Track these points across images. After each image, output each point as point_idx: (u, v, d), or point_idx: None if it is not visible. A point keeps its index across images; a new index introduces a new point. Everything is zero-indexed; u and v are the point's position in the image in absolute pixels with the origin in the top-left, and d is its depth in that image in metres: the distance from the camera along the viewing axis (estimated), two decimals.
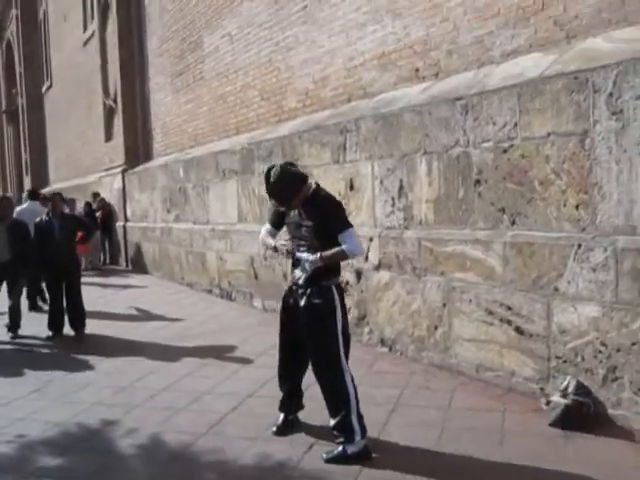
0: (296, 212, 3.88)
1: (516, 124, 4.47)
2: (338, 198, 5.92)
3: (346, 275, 6.24)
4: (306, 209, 3.82)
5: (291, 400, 4.12)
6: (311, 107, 7.35)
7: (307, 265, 3.77)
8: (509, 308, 4.57)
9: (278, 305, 4.19)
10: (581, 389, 4.07)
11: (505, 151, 4.56)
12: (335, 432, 3.80)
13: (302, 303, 3.83)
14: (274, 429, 4.07)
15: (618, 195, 3.87)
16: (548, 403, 4.16)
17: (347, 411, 3.75)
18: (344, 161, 6.24)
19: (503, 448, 3.78)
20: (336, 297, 3.84)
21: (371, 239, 5.90)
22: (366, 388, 4.51)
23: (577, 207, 4.11)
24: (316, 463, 3.65)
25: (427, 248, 5.26)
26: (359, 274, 6.11)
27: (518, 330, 4.51)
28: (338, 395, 3.79)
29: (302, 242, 3.87)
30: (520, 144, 4.45)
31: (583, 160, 4.05)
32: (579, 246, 4.07)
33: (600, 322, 3.97)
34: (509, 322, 4.58)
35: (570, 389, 4.08)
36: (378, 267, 5.85)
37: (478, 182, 4.78)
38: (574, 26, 4.51)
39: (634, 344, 3.80)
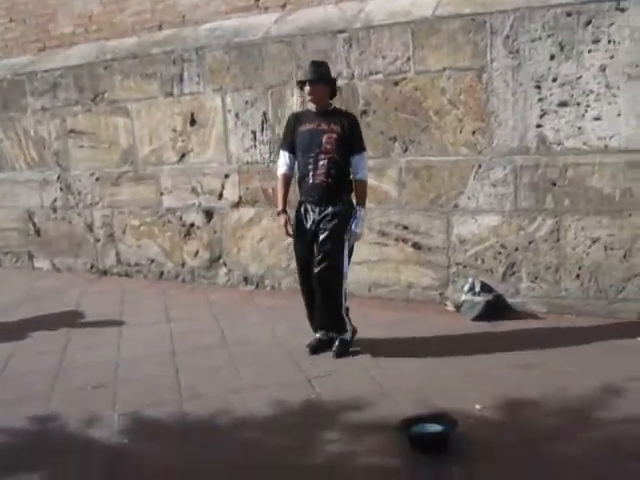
0: (315, 120, 4.01)
1: (409, 58, 4.87)
2: (172, 135, 5.65)
3: (190, 217, 5.91)
4: (332, 115, 4.02)
5: None
6: (97, 33, 6.43)
7: (359, 230, 4.07)
8: (405, 227, 5.05)
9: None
10: (485, 286, 4.85)
11: (396, 83, 4.93)
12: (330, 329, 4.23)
13: (323, 215, 4.02)
14: (308, 349, 4.23)
15: (514, 122, 4.63)
16: (461, 304, 4.83)
17: (339, 308, 4.15)
18: (180, 94, 5.76)
19: (451, 341, 4.33)
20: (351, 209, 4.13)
21: (227, 176, 5.68)
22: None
23: (474, 133, 4.76)
24: None
25: None
26: (209, 214, 5.84)
27: (415, 246, 5.05)
28: (334, 298, 4.11)
29: (321, 155, 3.96)
30: (414, 77, 4.88)
31: (480, 92, 4.70)
32: (479, 166, 4.76)
33: (500, 229, 4.77)
34: (405, 240, 5.07)
35: (477, 288, 4.83)
36: (237, 204, 5.68)
37: (365, 112, 5.06)
38: None
39: (531, 242, 4.69)
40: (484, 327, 4.60)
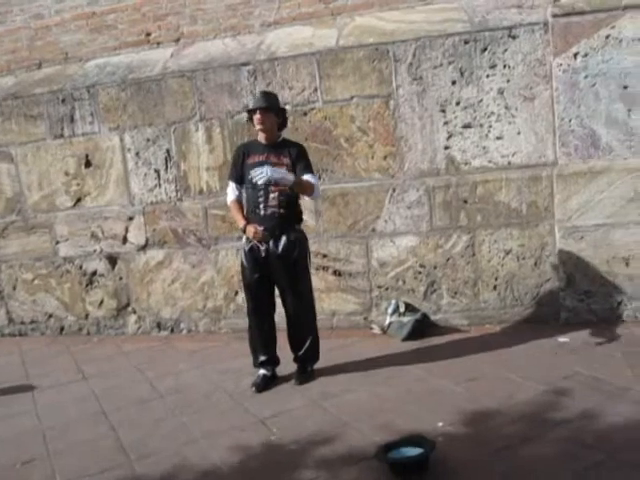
0: (264, 152, 3.99)
1: (316, 89, 4.93)
2: (64, 179, 5.35)
3: (91, 265, 5.51)
4: (281, 147, 4.00)
5: (272, 357, 4.25)
6: None
7: (278, 174, 3.81)
8: (325, 256, 5.06)
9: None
10: (409, 306, 4.96)
11: (305, 114, 4.96)
12: (300, 360, 4.23)
13: (281, 245, 3.98)
14: (254, 388, 4.13)
15: (423, 145, 4.83)
16: (388, 326, 4.90)
17: (315, 334, 4.24)
18: (72, 135, 5.39)
19: (388, 362, 4.36)
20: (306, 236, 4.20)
21: (131, 218, 5.37)
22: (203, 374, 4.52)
23: (385, 158, 4.90)
24: None
25: (217, 216, 5.20)
26: (113, 259, 5.47)
27: (336, 273, 5.07)
28: (310, 323, 4.21)
29: (271, 187, 3.92)
30: (322, 107, 4.94)
31: (388, 118, 4.85)
32: (394, 190, 4.89)
33: (418, 249, 4.91)
34: (325, 268, 5.07)
35: (401, 309, 4.93)
36: (145, 247, 5.38)
37: None
38: (338, 5, 5.19)
39: (448, 259, 4.88)
40: (415, 345, 4.70)
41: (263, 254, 4.02)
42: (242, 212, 4.14)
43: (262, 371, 4.21)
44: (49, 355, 5.26)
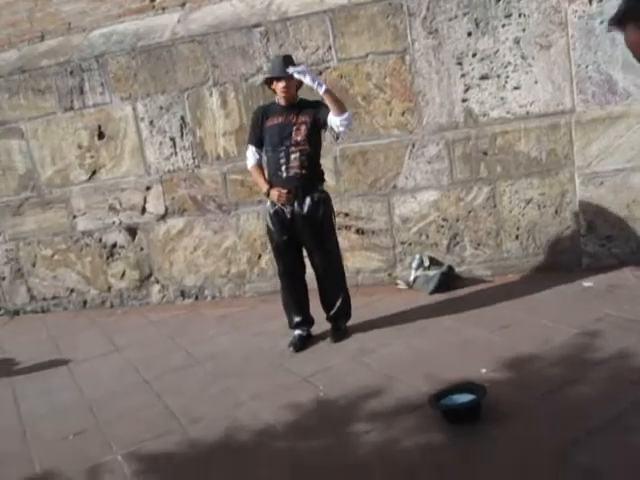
0: (283, 113, 3.96)
1: (330, 47, 4.88)
2: (77, 152, 5.29)
3: (111, 237, 5.51)
4: (300, 107, 3.97)
5: (307, 316, 4.29)
6: None
7: (313, 79, 3.82)
8: (346, 215, 5.08)
9: None
10: (433, 260, 5.02)
11: (320, 73, 4.91)
12: (332, 318, 4.27)
13: (306, 206, 3.99)
14: (291, 348, 4.19)
15: (440, 99, 4.82)
16: (414, 281, 4.96)
17: (346, 292, 4.28)
18: (83, 106, 5.31)
19: (418, 315, 4.44)
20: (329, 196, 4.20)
21: (148, 188, 5.35)
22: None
23: (403, 114, 4.89)
24: None
25: (237, 181, 5.19)
26: (133, 231, 5.46)
27: (359, 231, 5.10)
28: (339, 281, 4.25)
29: (292, 148, 3.92)
30: (337, 65, 4.90)
31: (405, 74, 4.83)
32: (413, 145, 4.89)
33: (439, 203, 4.95)
34: (347, 227, 5.10)
35: (426, 263, 4.99)
36: (164, 216, 5.37)
37: None
38: None
39: (470, 212, 4.92)
40: (443, 298, 4.77)
41: (289, 216, 4.04)
42: (264, 176, 4.15)
43: (298, 331, 4.27)
44: (76, 329, 5.28)
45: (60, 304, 5.76)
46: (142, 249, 5.48)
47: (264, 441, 3.20)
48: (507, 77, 4.70)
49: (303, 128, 3.90)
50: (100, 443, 3.38)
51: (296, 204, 4.02)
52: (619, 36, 4.83)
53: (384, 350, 4.02)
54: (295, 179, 3.97)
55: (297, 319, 4.27)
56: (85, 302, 5.70)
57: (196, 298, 5.48)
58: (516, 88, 4.70)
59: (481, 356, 3.70)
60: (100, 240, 5.53)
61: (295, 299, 4.27)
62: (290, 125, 3.92)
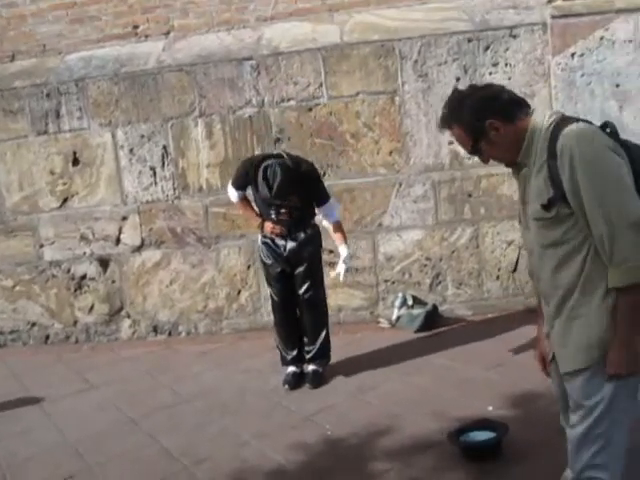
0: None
1: (321, 84, 4.91)
2: (50, 178, 5.09)
3: (80, 268, 5.23)
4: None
5: (301, 352, 4.19)
6: None
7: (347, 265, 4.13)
8: (331, 251, 4.99)
9: None
10: (416, 299, 5.04)
11: (310, 109, 4.93)
12: (312, 358, 4.13)
13: (299, 239, 4.01)
14: (287, 386, 4.08)
15: (427, 140, 4.93)
16: (397, 320, 4.95)
17: (327, 330, 4.18)
18: (58, 131, 5.07)
19: (407, 353, 4.41)
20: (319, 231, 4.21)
21: (124, 218, 5.13)
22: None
23: (391, 153, 4.95)
24: None
25: (219, 214, 5.06)
26: (105, 262, 5.19)
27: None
28: (322, 317, 4.17)
29: (282, 210, 3.92)
30: (327, 102, 4.93)
31: (394, 114, 4.91)
32: (400, 184, 4.95)
33: (424, 242, 5.01)
34: (332, 264, 5.02)
35: (409, 301, 5.00)
36: (140, 247, 5.15)
37: (279, 140, 4.97)
38: (336, 1, 5.19)
39: (453, 252, 5.01)
40: (428, 336, 4.79)
41: (281, 248, 4.04)
42: (252, 209, 4.14)
43: (292, 368, 4.16)
44: (41, 365, 4.92)
45: (19, 338, 5.37)
46: (114, 282, 5.22)
47: None
48: None
49: (295, 199, 3.87)
50: None
51: (288, 238, 4.03)
52: (597, 89, 5.09)
53: (383, 388, 3.97)
54: (286, 222, 3.99)
55: (291, 355, 4.17)
56: (47, 337, 5.34)
57: (169, 334, 5.25)
58: None
59: (483, 394, 3.72)
60: (68, 271, 5.23)
61: (289, 333, 4.19)
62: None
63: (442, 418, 3.44)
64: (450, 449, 3.12)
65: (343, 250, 4.09)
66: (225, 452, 3.37)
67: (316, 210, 4.06)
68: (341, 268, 4.08)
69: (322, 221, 4.15)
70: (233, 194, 4.10)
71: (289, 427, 3.58)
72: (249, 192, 4.08)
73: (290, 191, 3.78)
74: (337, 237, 4.12)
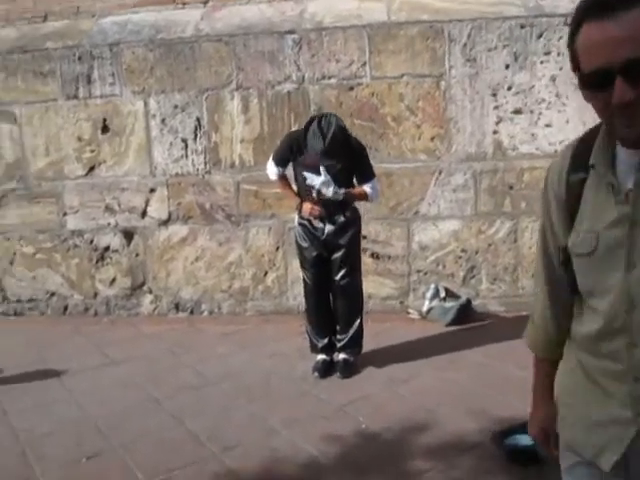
0: (318, 154, 3.66)
1: (365, 63, 4.72)
2: (76, 145, 4.91)
3: (103, 240, 5.08)
4: (337, 149, 3.66)
5: (332, 341, 4.05)
6: None
7: (329, 192, 3.71)
8: (364, 237, 4.85)
9: None
10: (449, 292, 4.88)
11: (352, 88, 4.74)
12: (343, 346, 3.99)
13: (338, 223, 3.84)
14: (316, 373, 3.94)
15: (471, 128, 4.74)
16: (428, 311, 4.80)
17: (361, 319, 4.03)
18: (89, 96, 4.89)
19: (440, 346, 4.29)
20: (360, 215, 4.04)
21: (152, 190, 4.96)
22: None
23: (432, 139, 4.77)
24: None
25: (250, 191, 4.89)
26: (129, 235, 5.04)
27: (374, 255, 4.91)
28: (357, 305, 4.02)
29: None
30: (370, 82, 4.74)
31: (439, 99, 4.72)
32: (440, 172, 4.77)
33: (460, 233, 4.84)
34: (363, 250, 4.87)
35: (442, 294, 4.84)
36: (166, 222, 4.99)
37: None
38: None
39: (490, 245, 4.84)
40: (461, 331, 4.64)
41: (319, 232, 3.86)
42: (292, 188, 3.96)
43: (322, 356, 4.02)
44: (60, 337, 4.78)
45: (37, 308, 5.23)
46: (137, 255, 5.07)
47: (312, 476, 2.93)
48: (540, 114, 4.68)
49: (339, 175, 3.70)
50: (120, 470, 3.00)
51: (327, 221, 3.84)
52: None
53: (416, 382, 3.82)
54: (327, 201, 3.79)
55: (322, 342, 4.02)
56: (66, 308, 5.20)
57: (191, 312, 5.10)
58: (547, 125, 4.68)
59: (521, 394, 3.47)
60: (91, 242, 5.08)
61: (321, 320, 4.03)
62: (325, 168, 3.70)
63: (481, 417, 3.29)
64: (493, 451, 2.98)
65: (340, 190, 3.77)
66: (254, 439, 3.22)
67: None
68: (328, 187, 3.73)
69: None
70: (272, 170, 3.91)
71: (320, 417, 3.43)
72: (289, 172, 3.92)
73: (341, 150, 3.65)
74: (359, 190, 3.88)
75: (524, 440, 3.05)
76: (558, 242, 1.38)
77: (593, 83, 1.14)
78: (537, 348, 1.55)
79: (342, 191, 3.70)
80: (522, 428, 3.02)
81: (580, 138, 1.35)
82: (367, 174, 3.85)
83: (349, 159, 3.73)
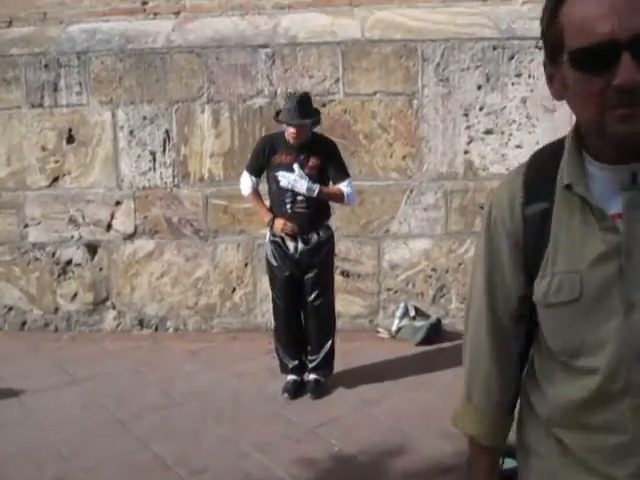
0: (292, 152, 3.68)
1: (338, 79, 4.69)
2: (40, 154, 4.80)
3: (66, 253, 4.91)
4: (310, 146, 3.70)
5: (302, 361, 3.98)
6: None
7: (302, 187, 3.62)
8: (335, 254, 4.82)
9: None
10: (418, 311, 4.86)
11: (324, 105, 4.70)
12: (314, 367, 3.92)
13: (312, 243, 3.78)
14: (286, 394, 3.85)
15: (443, 148, 4.75)
16: (398, 330, 4.76)
17: (333, 340, 3.98)
18: (54, 105, 4.74)
19: (409, 366, 4.26)
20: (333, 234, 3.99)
21: (118, 203, 4.82)
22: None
23: (404, 158, 4.77)
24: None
25: (219, 206, 4.80)
26: (93, 248, 4.88)
27: (344, 274, 4.86)
28: (329, 326, 3.97)
29: (299, 197, 3.69)
30: (343, 99, 4.71)
31: (411, 117, 4.73)
32: (411, 191, 4.77)
33: (430, 252, 4.83)
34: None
35: (412, 313, 4.82)
36: (132, 236, 4.85)
37: None
38: None
39: (460, 264, 4.84)
40: (431, 350, 4.61)
41: (291, 251, 3.78)
42: (264, 204, 3.88)
43: (292, 376, 3.93)
44: (18, 353, 4.58)
45: None
46: (101, 269, 4.91)
47: None
48: (510, 134, 4.73)
49: (314, 172, 3.67)
50: None
51: (300, 239, 3.77)
52: None
53: (388, 403, 3.78)
54: (301, 215, 3.72)
55: (293, 363, 3.94)
56: (24, 323, 5.00)
57: (156, 329, 4.96)
58: (518, 146, 4.73)
59: None
60: (53, 255, 4.90)
61: (292, 341, 3.94)
62: (299, 166, 3.66)
63: (455, 439, 3.22)
64: (468, 474, 2.95)
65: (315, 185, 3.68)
66: (224, 463, 3.13)
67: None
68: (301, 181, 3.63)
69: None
70: (247, 183, 3.84)
71: (292, 439, 3.35)
72: (262, 188, 3.86)
73: (311, 110, 3.71)
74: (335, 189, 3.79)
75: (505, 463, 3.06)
76: (510, 292, 1.12)
77: (588, 61, 0.90)
78: (479, 435, 1.22)
79: (316, 187, 3.61)
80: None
81: (528, 162, 1.12)
82: (342, 171, 3.79)
83: (321, 154, 3.70)
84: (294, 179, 3.61)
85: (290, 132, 3.65)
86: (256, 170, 3.82)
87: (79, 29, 4.93)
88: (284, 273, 3.82)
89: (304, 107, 3.66)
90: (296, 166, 3.63)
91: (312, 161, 3.69)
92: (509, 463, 3.00)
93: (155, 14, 5.00)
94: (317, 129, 3.96)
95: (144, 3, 4.99)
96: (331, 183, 3.81)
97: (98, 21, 4.97)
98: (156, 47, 4.74)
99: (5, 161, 4.86)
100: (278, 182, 3.68)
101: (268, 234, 3.87)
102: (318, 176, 3.70)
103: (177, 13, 5.01)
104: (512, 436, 1.17)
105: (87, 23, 4.96)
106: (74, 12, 4.99)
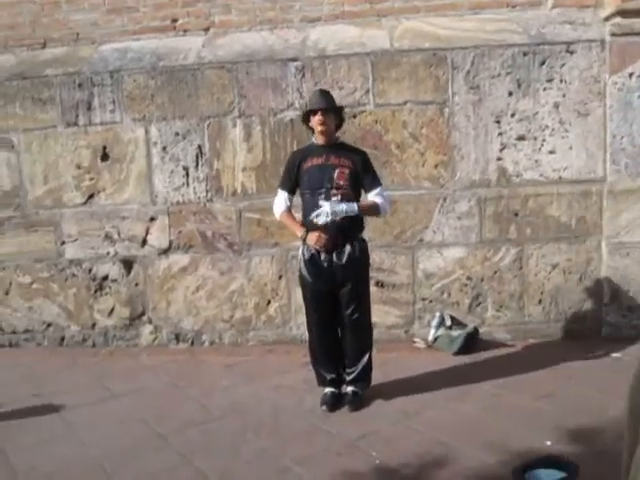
0: (323, 154, 3.69)
1: (368, 90, 4.70)
2: (75, 172, 4.86)
3: (102, 269, 4.97)
4: (340, 149, 3.73)
5: (339, 374, 3.96)
6: None
7: (342, 211, 3.60)
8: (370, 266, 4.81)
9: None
10: (454, 320, 4.81)
11: (355, 116, 4.71)
12: (352, 380, 3.89)
13: (345, 256, 3.72)
14: (325, 407, 3.83)
15: (475, 155, 4.72)
16: (434, 340, 4.73)
17: (370, 353, 3.94)
18: (89, 123, 4.82)
19: (448, 377, 4.21)
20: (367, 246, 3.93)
21: (153, 219, 4.88)
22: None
23: (436, 166, 4.74)
24: None
25: (252, 220, 4.82)
26: (129, 264, 4.94)
27: (378, 284, 4.84)
28: (367, 339, 3.95)
29: (333, 191, 3.64)
30: (373, 110, 4.71)
31: (442, 126, 4.71)
32: (444, 199, 4.74)
33: (465, 261, 4.79)
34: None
35: (447, 322, 4.78)
36: (167, 250, 4.89)
37: None
38: (384, 6, 4.99)
39: (495, 272, 4.79)
40: (469, 360, 4.56)
41: (325, 264, 3.72)
42: (296, 219, 3.86)
43: (330, 389, 3.91)
44: (56, 369, 4.65)
45: (33, 339, 5.09)
46: (137, 285, 4.96)
47: None
48: (543, 140, 4.68)
49: (346, 172, 3.64)
50: None
51: (334, 253, 3.72)
52: None
53: (428, 414, 3.74)
54: (335, 226, 3.65)
55: (330, 376, 3.92)
56: (63, 339, 5.07)
57: (192, 343, 4.99)
58: (551, 152, 4.68)
59: (536, 425, 3.49)
60: (90, 271, 4.97)
61: (328, 355, 3.91)
62: (331, 167, 3.66)
63: (499, 450, 3.21)
64: None
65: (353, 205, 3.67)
66: (266, 478, 3.12)
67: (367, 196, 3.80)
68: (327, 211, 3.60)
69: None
70: (279, 203, 3.82)
71: (332, 452, 3.33)
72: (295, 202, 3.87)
73: (337, 107, 3.76)
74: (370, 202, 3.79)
75: (547, 475, 3.00)
76: None
77: None
78: None
79: (354, 205, 3.61)
80: (543, 462, 3.00)
81: None
82: (374, 179, 3.77)
83: (352, 159, 3.69)
84: (330, 207, 3.57)
85: (317, 120, 3.67)
86: (289, 186, 3.80)
87: (111, 48, 5.01)
88: (318, 287, 3.78)
89: (327, 96, 3.75)
90: (322, 201, 3.60)
91: (344, 161, 3.68)
92: (552, 475, 2.95)
93: (185, 31, 5.07)
94: (349, 141, 3.97)
95: (174, 21, 5.06)
96: (363, 193, 3.81)
97: (129, 40, 5.06)
98: (187, 64, 4.80)
99: (42, 180, 4.95)
100: (311, 187, 3.67)
101: (301, 249, 3.85)
102: (350, 180, 3.66)
103: (206, 29, 5.07)
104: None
105: (119, 42, 5.05)
106: (106, 32, 5.08)
